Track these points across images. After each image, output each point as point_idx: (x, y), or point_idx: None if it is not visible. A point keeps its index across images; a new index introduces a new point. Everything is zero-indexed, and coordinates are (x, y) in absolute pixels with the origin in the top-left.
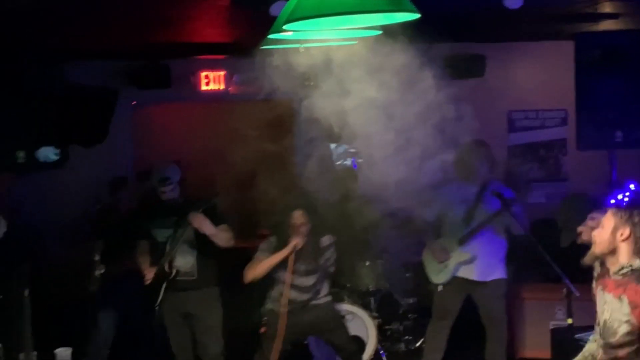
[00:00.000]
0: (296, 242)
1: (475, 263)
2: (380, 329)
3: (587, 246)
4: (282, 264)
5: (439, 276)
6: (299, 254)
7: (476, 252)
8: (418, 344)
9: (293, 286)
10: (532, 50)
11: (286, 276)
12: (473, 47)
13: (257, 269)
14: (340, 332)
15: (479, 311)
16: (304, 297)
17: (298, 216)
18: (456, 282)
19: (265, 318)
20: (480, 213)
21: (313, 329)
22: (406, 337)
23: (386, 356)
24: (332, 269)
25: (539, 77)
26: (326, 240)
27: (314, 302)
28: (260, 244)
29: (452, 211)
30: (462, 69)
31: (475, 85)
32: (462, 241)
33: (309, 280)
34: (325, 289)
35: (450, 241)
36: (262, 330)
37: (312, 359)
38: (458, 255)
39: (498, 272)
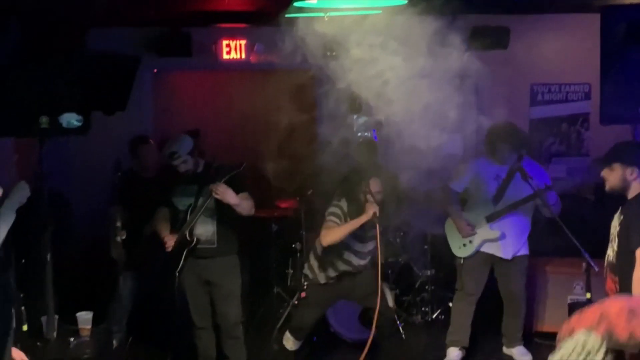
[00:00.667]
0: (375, 210)
1: (503, 241)
2: (398, 300)
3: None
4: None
5: (462, 250)
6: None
7: (504, 231)
8: (435, 316)
9: (355, 252)
10: (557, 22)
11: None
12: (497, 19)
13: (335, 235)
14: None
15: (499, 285)
16: (361, 262)
17: (375, 184)
18: (480, 256)
19: (306, 283)
20: (511, 193)
21: (356, 293)
22: (423, 309)
23: (403, 327)
24: None
25: (563, 50)
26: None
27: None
28: (330, 208)
29: (482, 187)
30: (485, 41)
31: (498, 58)
32: (490, 219)
33: (367, 247)
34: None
35: (477, 217)
36: (302, 295)
37: (328, 327)
38: (485, 232)
39: (522, 249)
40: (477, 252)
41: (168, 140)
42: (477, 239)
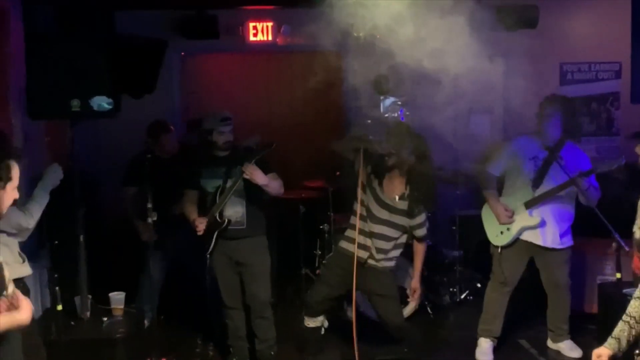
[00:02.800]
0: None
1: (543, 229)
2: (426, 281)
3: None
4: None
5: (499, 238)
6: None
7: (544, 218)
8: (463, 296)
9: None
10: (587, 1)
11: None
12: None
13: None
14: (388, 302)
15: (542, 276)
16: (361, 254)
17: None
18: (519, 245)
19: (324, 262)
20: (551, 178)
21: (368, 287)
22: (450, 290)
23: (430, 307)
24: (418, 230)
25: (593, 29)
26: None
27: (372, 261)
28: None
29: (519, 168)
30: (514, 20)
31: (527, 37)
32: (529, 205)
33: (380, 229)
34: (391, 251)
35: (515, 202)
36: (318, 272)
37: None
38: (525, 219)
39: (566, 240)
40: (516, 241)
41: (212, 112)
42: (515, 226)
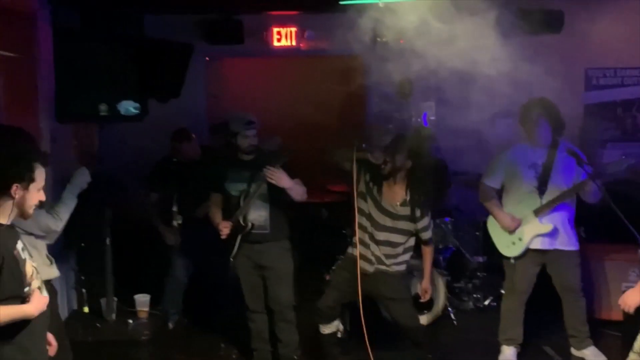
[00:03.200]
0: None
1: (554, 234)
2: (449, 287)
3: None
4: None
5: (511, 249)
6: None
7: (555, 223)
8: (486, 302)
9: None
10: (612, 6)
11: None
12: (551, 2)
13: None
14: (402, 305)
15: (555, 281)
16: (366, 266)
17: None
18: (531, 254)
19: (333, 268)
20: (555, 181)
21: (379, 292)
22: (474, 295)
23: (454, 313)
24: (423, 233)
25: (619, 34)
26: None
27: (383, 267)
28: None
29: (521, 178)
30: (538, 25)
31: (552, 42)
32: (540, 212)
33: (385, 236)
34: (401, 255)
35: (523, 211)
36: (327, 277)
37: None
38: (536, 226)
39: (573, 242)
40: (528, 250)
41: (237, 115)
42: (527, 235)
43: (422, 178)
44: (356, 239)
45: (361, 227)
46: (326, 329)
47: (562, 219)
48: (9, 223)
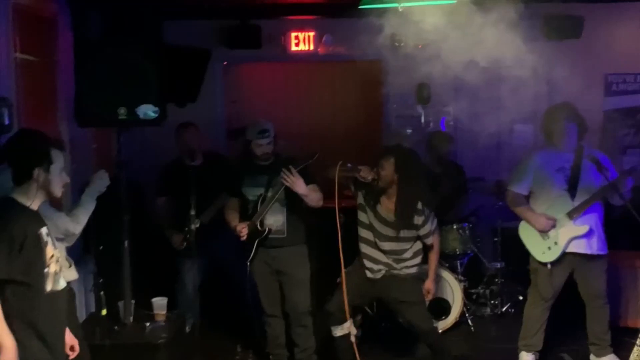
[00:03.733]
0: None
1: (590, 236)
2: (466, 293)
3: None
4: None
5: (547, 254)
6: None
7: (590, 225)
8: (504, 309)
9: (369, 257)
10: (633, 11)
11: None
12: (571, 7)
13: None
14: (415, 308)
15: (581, 287)
16: (376, 266)
17: (366, 171)
18: (566, 258)
19: (345, 270)
20: (585, 183)
21: (391, 296)
22: (492, 302)
23: (471, 319)
24: (426, 239)
25: (638, 40)
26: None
27: (395, 271)
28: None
29: (551, 183)
30: (559, 30)
31: (572, 47)
32: (573, 214)
33: (389, 245)
34: (410, 259)
35: (556, 215)
36: (338, 280)
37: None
38: (572, 229)
39: (604, 246)
40: (564, 254)
41: (254, 122)
42: (562, 239)
43: (410, 189)
44: (362, 259)
45: (363, 240)
46: (338, 332)
47: (595, 220)
48: (35, 209)
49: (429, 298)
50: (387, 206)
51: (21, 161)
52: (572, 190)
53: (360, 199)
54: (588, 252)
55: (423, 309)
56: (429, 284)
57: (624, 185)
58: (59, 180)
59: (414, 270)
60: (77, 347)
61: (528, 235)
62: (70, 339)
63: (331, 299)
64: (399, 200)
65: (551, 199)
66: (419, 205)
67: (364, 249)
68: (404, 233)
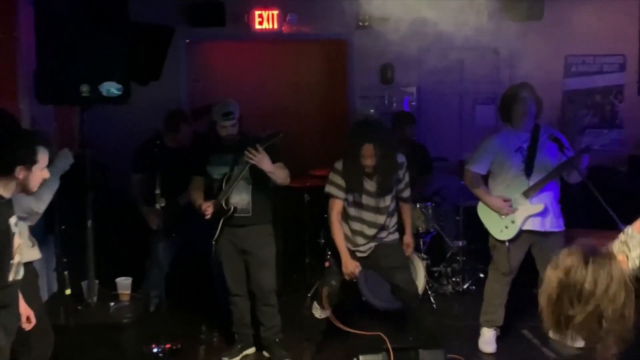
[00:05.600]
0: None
1: (545, 214)
2: (429, 270)
3: None
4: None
5: (504, 232)
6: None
7: (545, 203)
8: (466, 286)
9: (363, 221)
10: None
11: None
12: None
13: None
14: (403, 272)
15: (538, 263)
16: (371, 232)
17: (369, 149)
18: (523, 236)
19: (330, 252)
20: (540, 162)
21: (381, 264)
22: (454, 279)
23: (433, 297)
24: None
25: (598, 22)
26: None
27: (382, 240)
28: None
29: (506, 163)
30: (519, 12)
31: (532, 29)
32: (529, 193)
33: (377, 218)
34: (392, 226)
35: (513, 195)
36: (326, 264)
37: (360, 296)
38: (528, 208)
39: (561, 223)
40: (521, 232)
41: (218, 102)
42: (519, 218)
43: (390, 159)
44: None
45: (351, 217)
46: (322, 313)
47: (550, 198)
48: (8, 197)
49: (409, 252)
50: (369, 181)
51: (4, 157)
52: (528, 170)
53: (339, 181)
54: (542, 229)
55: (410, 272)
56: (407, 238)
57: (581, 163)
58: (39, 178)
59: (397, 235)
60: (32, 319)
61: (486, 214)
62: (25, 309)
63: (325, 283)
64: (382, 173)
65: (509, 178)
66: (398, 158)
67: (354, 226)
68: (386, 201)
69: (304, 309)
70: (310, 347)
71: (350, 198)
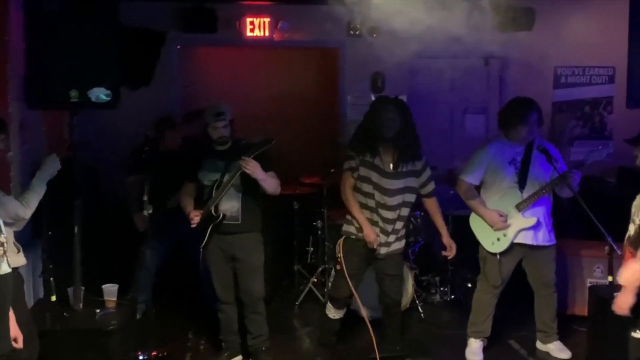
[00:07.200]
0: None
1: (537, 228)
2: (417, 280)
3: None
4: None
5: (496, 245)
6: None
7: (538, 217)
8: (453, 296)
9: (377, 204)
10: (583, 5)
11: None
12: (523, 0)
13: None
14: (395, 281)
15: (529, 276)
16: (390, 215)
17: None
18: (514, 249)
19: (339, 255)
20: (534, 175)
21: (380, 266)
22: (442, 289)
23: (421, 306)
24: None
25: (588, 33)
26: None
27: (392, 247)
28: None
29: (500, 174)
30: (510, 22)
31: (523, 39)
32: (522, 206)
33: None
34: (401, 229)
35: (506, 207)
36: (338, 267)
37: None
38: (520, 221)
39: (552, 236)
40: (512, 245)
41: (210, 104)
42: (511, 231)
43: (408, 138)
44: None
45: (368, 207)
46: (337, 314)
47: (543, 212)
48: None
49: (452, 254)
50: (386, 159)
51: None
52: (521, 183)
53: (361, 171)
54: (534, 243)
55: (401, 283)
56: (447, 240)
57: (573, 180)
58: None
59: (403, 243)
60: (20, 341)
61: (478, 226)
62: (14, 331)
63: (335, 287)
64: (400, 147)
65: (502, 190)
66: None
67: (370, 216)
68: (410, 182)
69: (292, 317)
70: (323, 353)
71: (363, 172)
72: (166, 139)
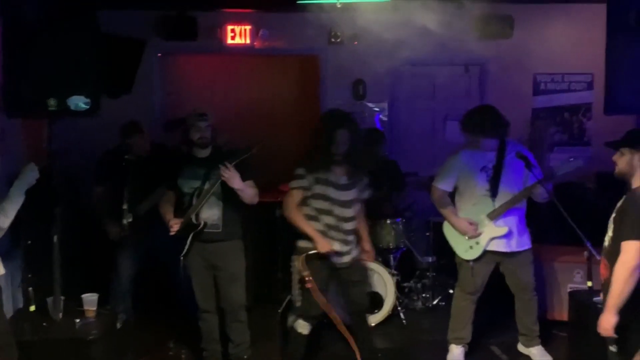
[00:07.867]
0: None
1: (509, 236)
2: (399, 286)
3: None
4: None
5: (469, 252)
6: None
7: (510, 226)
8: (435, 302)
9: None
10: (561, 12)
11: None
12: (502, 7)
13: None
14: (360, 287)
15: (508, 280)
16: (347, 227)
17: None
18: (487, 255)
19: (307, 272)
20: (505, 183)
21: (342, 277)
22: (424, 295)
23: (403, 313)
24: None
25: (567, 40)
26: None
27: (352, 255)
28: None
29: (471, 182)
30: (490, 30)
31: (502, 46)
32: (494, 215)
33: (345, 212)
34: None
35: (478, 215)
36: (309, 285)
37: None
38: (492, 230)
39: (528, 239)
40: (485, 252)
41: (193, 109)
42: (484, 239)
43: (358, 149)
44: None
45: (324, 212)
46: (304, 330)
47: (515, 220)
48: None
49: (372, 259)
50: (339, 172)
51: None
52: (493, 190)
53: (310, 180)
54: (507, 250)
55: (366, 289)
56: (367, 246)
57: (545, 188)
58: None
59: (358, 250)
60: None
61: (452, 233)
62: None
63: (306, 305)
64: (352, 161)
65: (475, 197)
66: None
67: (328, 225)
68: (356, 192)
69: (275, 324)
70: None
71: (318, 189)
72: (134, 145)
